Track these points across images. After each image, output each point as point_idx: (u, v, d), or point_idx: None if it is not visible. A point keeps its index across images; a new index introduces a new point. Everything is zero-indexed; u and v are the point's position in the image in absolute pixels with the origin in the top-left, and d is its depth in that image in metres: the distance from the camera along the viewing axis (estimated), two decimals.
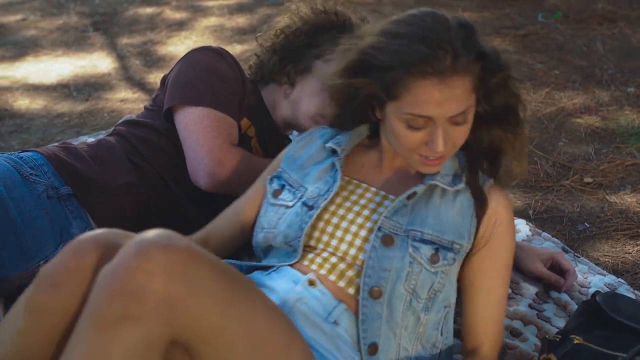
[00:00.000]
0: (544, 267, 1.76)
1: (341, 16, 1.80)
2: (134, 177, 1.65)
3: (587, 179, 2.32)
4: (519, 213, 2.14)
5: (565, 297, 1.73)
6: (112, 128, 1.85)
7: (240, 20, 3.92)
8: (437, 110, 1.28)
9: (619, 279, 1.83)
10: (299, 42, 1.80)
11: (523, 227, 2.02)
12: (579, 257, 1.92)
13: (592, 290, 1.77)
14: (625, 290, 1.78)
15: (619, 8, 3.86)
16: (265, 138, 1.86)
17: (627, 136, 2.57)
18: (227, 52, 1.79)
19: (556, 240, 1.98)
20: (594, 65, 3.17)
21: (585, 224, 2.10)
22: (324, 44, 1.75)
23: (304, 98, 1.79)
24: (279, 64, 1.82)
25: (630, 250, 1.98)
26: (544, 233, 2.01)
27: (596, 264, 1.92)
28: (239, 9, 4.11)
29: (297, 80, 1.82)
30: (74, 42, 3.74)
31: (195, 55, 1.76)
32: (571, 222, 2.11)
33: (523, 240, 1.97)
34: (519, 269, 1.79)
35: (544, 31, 3.56)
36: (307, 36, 1.78)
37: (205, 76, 1.70)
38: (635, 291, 1.78)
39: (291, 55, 1.81)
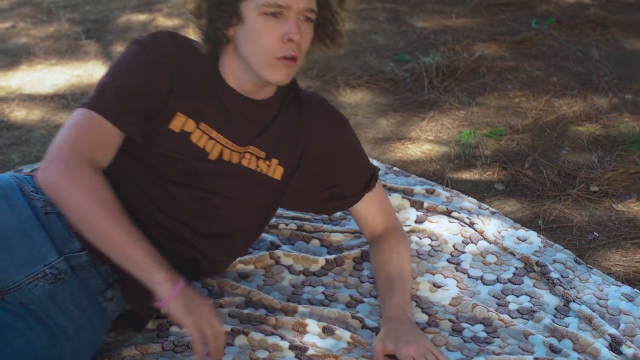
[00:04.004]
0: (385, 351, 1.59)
1: None
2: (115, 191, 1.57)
3: (594, 188, 2.34)
4: (529, 223, 2.15)
5: (586, 309, 1.74)
6: None
7: None
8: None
9: (635, 289, 1.84)
10: None
11: (535, 239, 2.04)
12: (591, 268, 1.94)
13: (610, 302, 1.79)
14: None
15: (610, 13, 3.90)
16: (232, 119, 1.63)
17: (629, 144, 2.60)
18: (156, 39, 1.60)
19: (568, 251, 2.00)
20: (590, 72, 3.19)
21: (595, 233, 2.12)
22: None
23: (247, 48, 1.56)
24: (210, 25, 1.58)
25: None
26: (555, 244, 2.02)
27: (608, 274, 1.93)
28: None
29: (234, 34, 1.58)
30: (67, 50, 3.70)
31: (122, 53, 1.62)
32: (580, 231, 2.13)
33: (535, 252, 1.98)
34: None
35: (539, 37, 3.58)
36: None
37: (110, 78, 1.57)
38: None
39: (215, 8, 1.57)
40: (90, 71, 3.41)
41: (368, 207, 1.82)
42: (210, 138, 1.61)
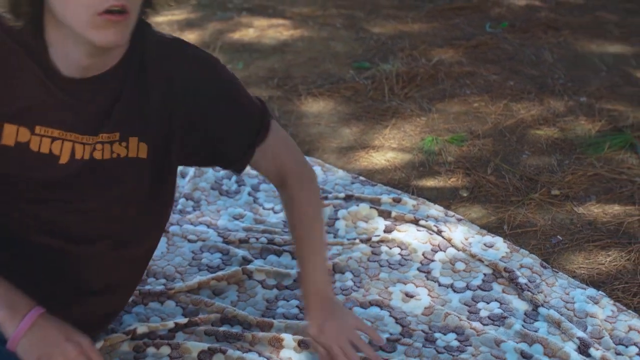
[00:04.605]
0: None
1: None
2: None
3: (555, 192, 2.40)
4: (495, 229, 2.20)
5: (554, 313, 1.79)
6: None
7: (192, 37, 3.88)
8: None
9: (599, 292, 1.90)
10: None
11: (501, 245, 2.08)
12: (557, 272, 1.99)
13: (577, 305, 1.84)
14: (606, 302, 1.86)
15: (560, 16, 3.99)
16: (71, 108, 1.36)
17: (586, 146, 2.67)
18: None
19: (534, 256, 2.05)
20: (545, 75, 3.27)
21: (558, 237, 2.18)
22: None
23: (62, 8, 1.25)
24: None
25: (603, 262, 2.07)
26: (521, 249, 2.07)
27: (573, 277, 1.99)
28: (188, 25, 4.07)
29: None
30: None
31: None
32: (545, 235, 2.18)
33: (502, 257, 2.03)
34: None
35: (493, 41, 3.65)
36: None
37: None
38: (617, 303, 1.86)
39: None
40: None
41: (266, 159, 1.54)
42: (54, 139, 1.35)
